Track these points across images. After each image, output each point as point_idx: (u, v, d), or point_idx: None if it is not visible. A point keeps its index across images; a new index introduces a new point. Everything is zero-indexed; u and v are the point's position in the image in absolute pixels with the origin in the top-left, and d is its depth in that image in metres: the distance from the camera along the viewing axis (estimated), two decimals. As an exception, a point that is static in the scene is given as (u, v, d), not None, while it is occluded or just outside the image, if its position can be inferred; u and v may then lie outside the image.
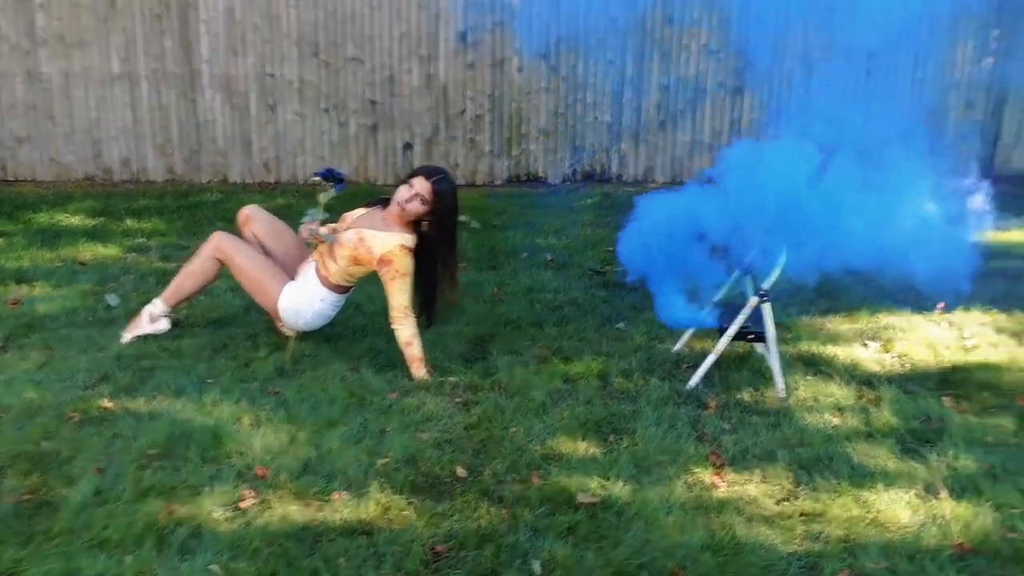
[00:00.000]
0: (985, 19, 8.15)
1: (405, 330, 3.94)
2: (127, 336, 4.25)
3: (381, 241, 3.93)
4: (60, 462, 3.12)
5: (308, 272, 4.12)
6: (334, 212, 4.12)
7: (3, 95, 8.01)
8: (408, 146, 8.20)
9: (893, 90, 8.06)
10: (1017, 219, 6.75)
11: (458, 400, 3.75)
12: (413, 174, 4.02)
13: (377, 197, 4.24)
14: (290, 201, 7.60)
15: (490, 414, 3.58)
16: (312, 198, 4.20)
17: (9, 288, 5.15)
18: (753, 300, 3.80)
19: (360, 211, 4.13)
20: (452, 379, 3.93)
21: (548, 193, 8.01)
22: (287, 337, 4.14)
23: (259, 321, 4.58)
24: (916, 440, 3.44)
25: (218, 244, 4.16)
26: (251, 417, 3.48)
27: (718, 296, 4.25)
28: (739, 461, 3.26)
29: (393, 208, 3.98)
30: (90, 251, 5.99)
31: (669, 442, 3.36)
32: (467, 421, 3.52)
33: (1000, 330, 4.65)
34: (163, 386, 3.75)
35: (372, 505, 2.88)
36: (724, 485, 3.09)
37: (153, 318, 4.28)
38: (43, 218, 6.91)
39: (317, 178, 4.22)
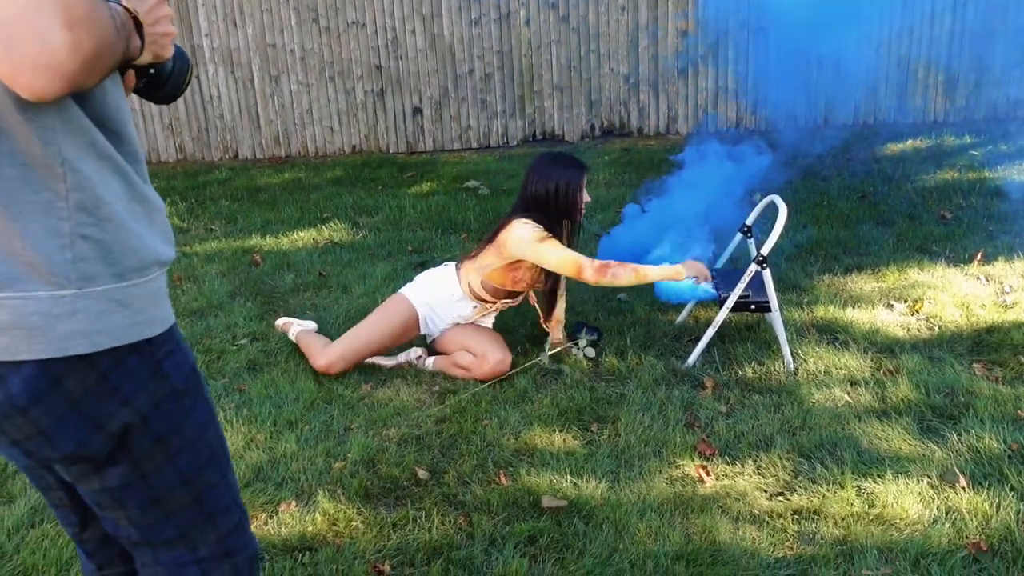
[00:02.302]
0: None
1: (604, 274, 3.46)
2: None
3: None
4: (4, 477, 2.97)
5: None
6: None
7: (10, 83, 7.93)
8: (418, 110, 7.89)
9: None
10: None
11: (435, 389, 3.50)
12: (571, 185, 3.54)
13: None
14: (299, 175, 7.40)
15: (465, 404, 3.32)
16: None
17: None
18: (752, 267, 3.44)
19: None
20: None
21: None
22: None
23: (242, 309, 4.39)
24: (937, 417, 3.07)
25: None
26: (210, 418, 3.28)
27: (719, 262, 3.89)
28: (732, 449, 2.94)
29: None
30: (91, 239, 5.88)
31: (655, 430, 3.06)
32: (439, 414, 3.27)
33: (1045, 282, 4.19)
34: (128, 386, 3.58)
35: (319, 517, 2.66)
36: (711, 479, 2.78)
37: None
38: (51, 207, 6.83)
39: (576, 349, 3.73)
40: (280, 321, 4.02)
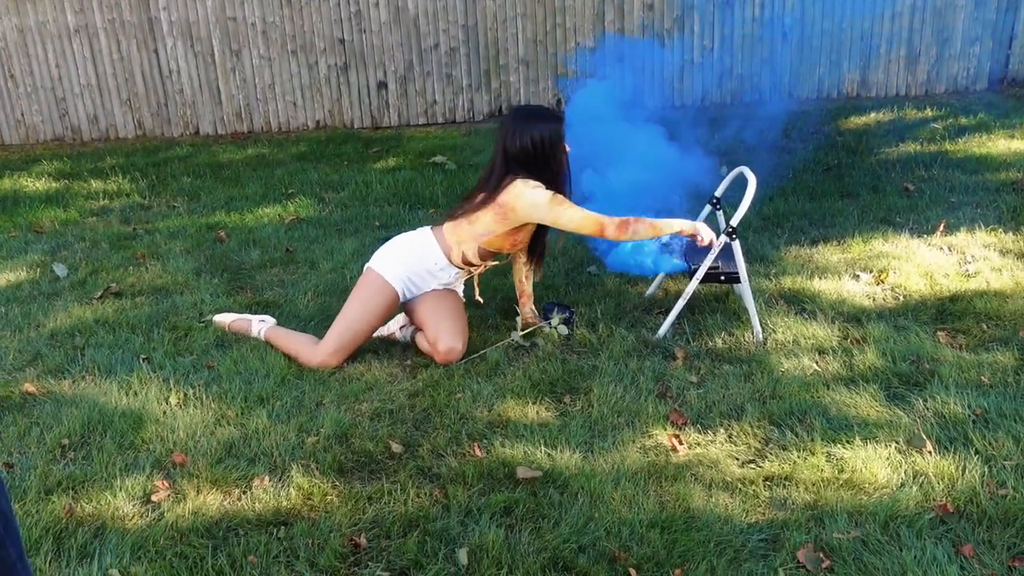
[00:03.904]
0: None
1: (625, 231, 3.35)
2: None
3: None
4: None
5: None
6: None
7: (-40, 57, 7.69)
8: (382, 85, 7.80)
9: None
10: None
11: (407, 363, 3.48)
12: (553, 136, 3.41)
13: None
14: (262, 151, 7.28)
15: (437, 378, 3.31)
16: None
17: (-42, 262, 4.93)
18: (721, 238, 3.45)
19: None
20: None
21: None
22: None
23: (208, 286, 4.32)
24: (903, 384, 3.13)
25: None
26: (179, 395, 3.23)
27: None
28: (703, 419, 2.97)
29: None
30: (49, 217, 5.74)
31: (628, 401, 3.08)
32: (412, 388, 3.26)
33: (1005, 252, 4.27)
34: (93, 365, 3.52)
35: (294, 492, 2.64)
36: (684, 448, 2.81)
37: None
38: (5, 184, 6.65)
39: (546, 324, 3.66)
40: (226, 319, 3.79)
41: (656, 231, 3.38)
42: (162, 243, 5.05)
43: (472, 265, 3.56)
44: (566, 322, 3.66)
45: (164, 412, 3.13)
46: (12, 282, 4.55)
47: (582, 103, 4.51)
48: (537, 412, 3.06)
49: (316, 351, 3.43)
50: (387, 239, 3.70)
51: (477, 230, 3.45)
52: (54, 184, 6.58)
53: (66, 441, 2.95)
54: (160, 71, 7.72)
